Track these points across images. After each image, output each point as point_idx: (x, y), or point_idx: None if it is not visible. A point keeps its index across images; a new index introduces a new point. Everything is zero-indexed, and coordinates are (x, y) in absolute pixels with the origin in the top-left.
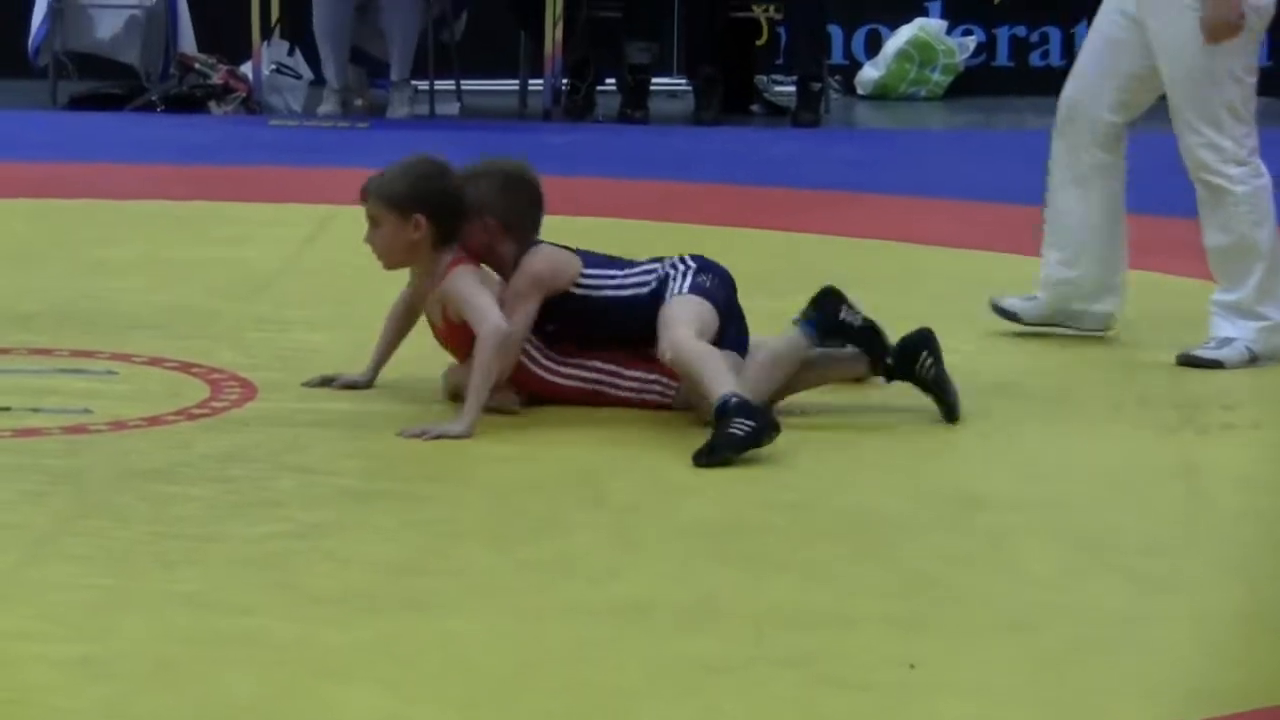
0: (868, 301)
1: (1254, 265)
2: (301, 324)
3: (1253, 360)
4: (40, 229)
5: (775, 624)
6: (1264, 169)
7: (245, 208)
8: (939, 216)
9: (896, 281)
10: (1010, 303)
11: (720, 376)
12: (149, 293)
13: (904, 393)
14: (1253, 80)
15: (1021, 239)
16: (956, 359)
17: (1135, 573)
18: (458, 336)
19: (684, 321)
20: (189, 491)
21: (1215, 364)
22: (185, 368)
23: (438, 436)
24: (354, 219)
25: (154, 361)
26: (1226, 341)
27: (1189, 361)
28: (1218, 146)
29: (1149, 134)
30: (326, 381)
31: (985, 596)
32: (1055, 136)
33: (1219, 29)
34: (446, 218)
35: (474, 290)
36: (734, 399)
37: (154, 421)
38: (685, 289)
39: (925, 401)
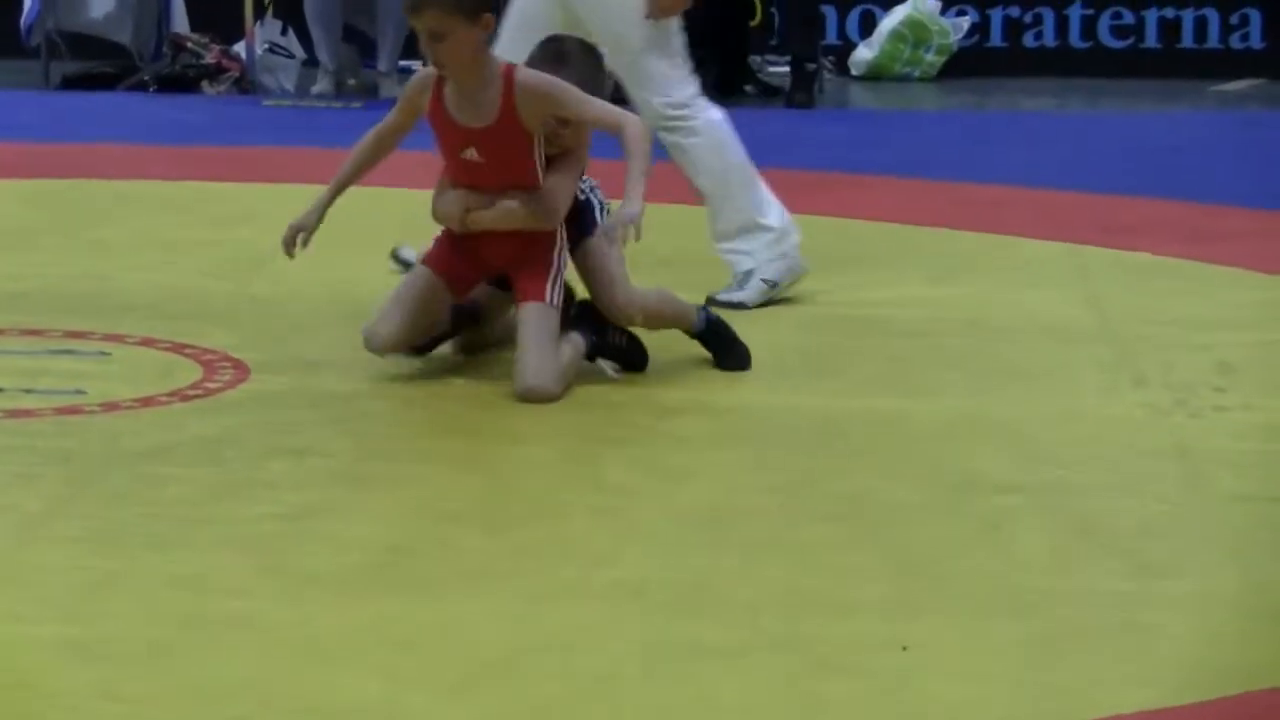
0: (862, 282)
1: (735, 187)
2: (296, 304)
3: (773, 288)
4: (33, 209)
5: (770, 608)
6: (707, 102)
7: (239, 188)
8: (933, 198)
9: (891, 262)
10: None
11: (679, 304)
12: (142, 273)
13: (891, 377)
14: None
15: (1016, 220)
16: (935, 339)
17: (1131, 556)
18: (508, 155)
19: (623, 275)
20: (182, 473)
21: (739, 305)
22: (178, 348)
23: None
24: (348, 197)
25: (146, 342)
26: (746, 277)
27: (713, 303)
28: (669, 96)
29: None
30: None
31: (981, 580)
32: None
33: (668, 6)
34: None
35: (578, 91)
36: (707, 314)
37: (147, 403)
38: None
39: (919, 384)
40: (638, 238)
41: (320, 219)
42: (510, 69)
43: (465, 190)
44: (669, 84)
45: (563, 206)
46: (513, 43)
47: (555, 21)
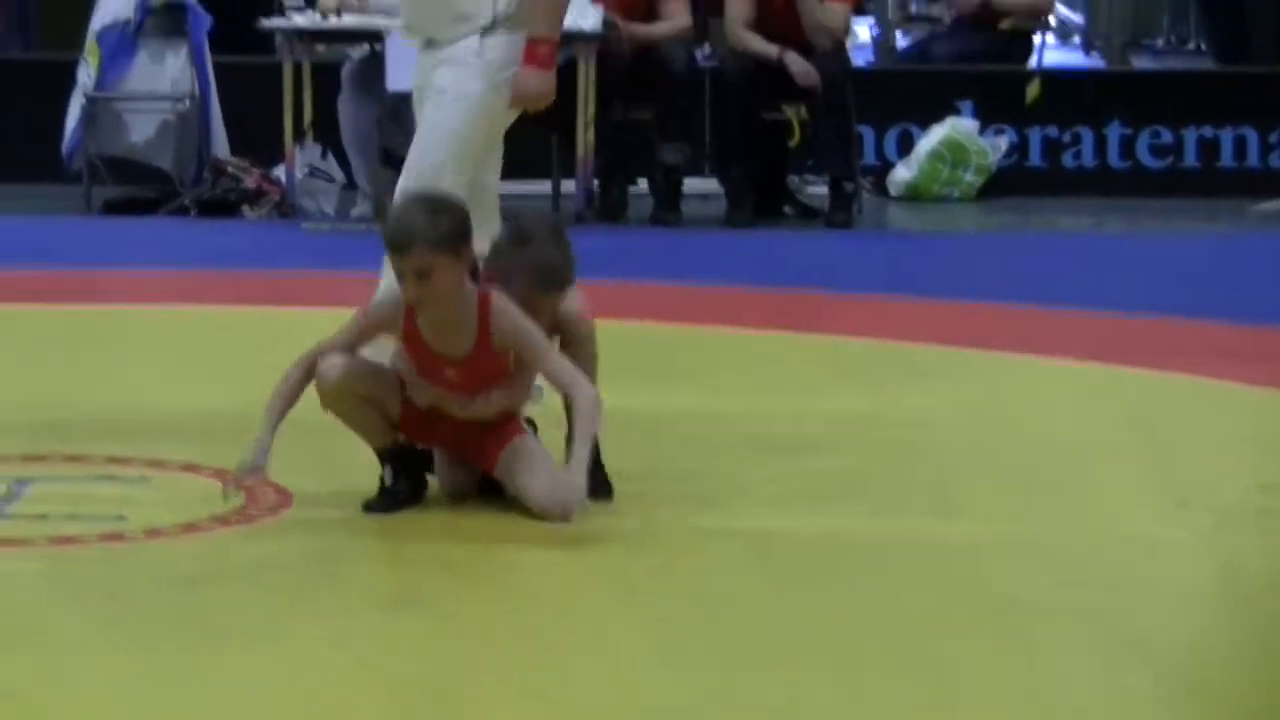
0: (901, 403)
1: None
2: (338, 431)
3: None
4: (74, 335)
5: None
6: None
7: (279, 312)
8: (973, 318)
9: (931, 383)
10: None
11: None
12: (183, 399)
13: (930, 498)
14: None
15: (1057, 341)
16: (973, 460)
17: (1175, 679)
18: (485, 373)
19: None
20: (224, 599)
21: None
22: (220, 474)
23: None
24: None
25: (188, 468)
26: None
27: None
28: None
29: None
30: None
31: (1023, 703)
32: None
33: (533, 96)
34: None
35: (544, 340)
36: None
37: (189, 529)
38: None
39: (958, 504)
40: (575, 512)
41: (268, 457)
42: (486, 298)
43: (439, 391)
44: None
45: (533, 381)
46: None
47: None
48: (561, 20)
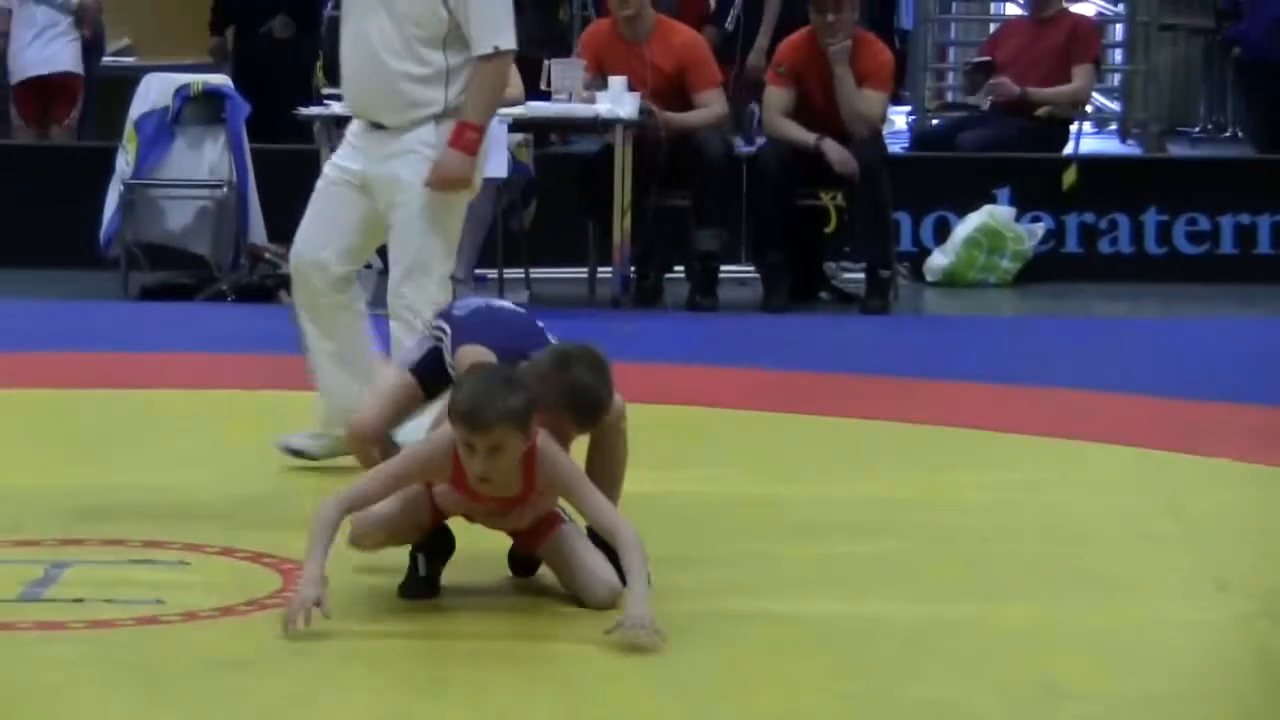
0: (941, 487)
1: None
2: None
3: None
4: (111, 420)
5: None
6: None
7: (315, 397)
8: (1010, 403)
9: (968, 467)
10: (298, 441)
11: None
12: (220, 482)
13: (969, 583)
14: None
15: (1095, 426)
16: (1015, 545)
17: None
18: (524, 503)
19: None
20: (262, 683)
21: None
22: (256, 558)
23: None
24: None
25: (225, 552)
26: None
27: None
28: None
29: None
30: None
31: None
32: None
33: (448, 181)
34: None
35: (586, 481)
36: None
37: (226, 612)
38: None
39: (997, 589)
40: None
41: (325, 588)
42: (533, 448)
43: (475, 506)
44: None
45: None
46: (317, 234)
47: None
48: (493, 112)
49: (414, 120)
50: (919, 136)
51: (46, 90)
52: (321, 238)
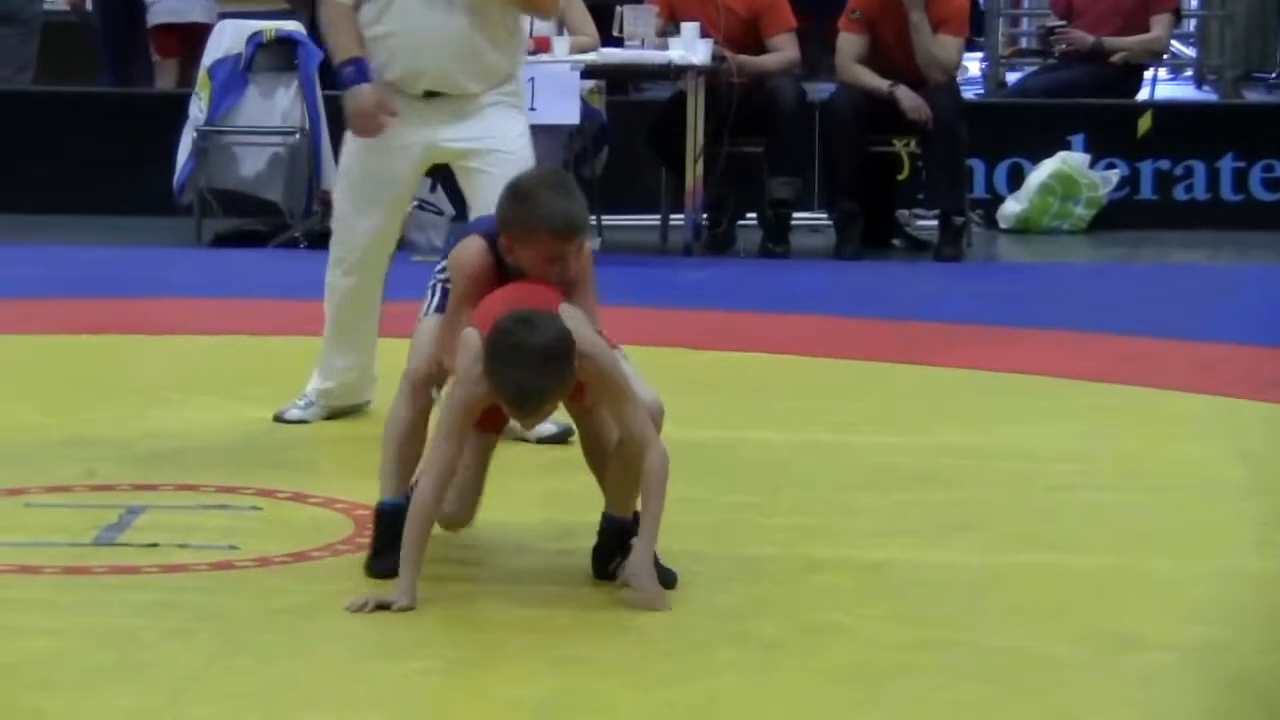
0: (1015, 436)
1: None
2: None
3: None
4: (186, 366)
5: None
6: None
7: (389, 342)
8: (1084, 350)
9: (1042, 416)
10: (292, 413)
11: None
12: (294, 429)
13: (1042, 532)
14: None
15: (1169, 374)
16: (1088, 494)
17: None
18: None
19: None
20: (334, 628)
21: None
22: (329, 503)
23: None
24: None
25: (298, 497)
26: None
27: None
28: None
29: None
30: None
31: None
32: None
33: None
34: None
35: (627, 384)
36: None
37: (299, 558)
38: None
39: (1070, 539)
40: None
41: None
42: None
43: None
44: None
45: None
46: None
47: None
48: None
49: (489, 85)
50: (992, 89)
51: (182, 33)
52: (392, 213)
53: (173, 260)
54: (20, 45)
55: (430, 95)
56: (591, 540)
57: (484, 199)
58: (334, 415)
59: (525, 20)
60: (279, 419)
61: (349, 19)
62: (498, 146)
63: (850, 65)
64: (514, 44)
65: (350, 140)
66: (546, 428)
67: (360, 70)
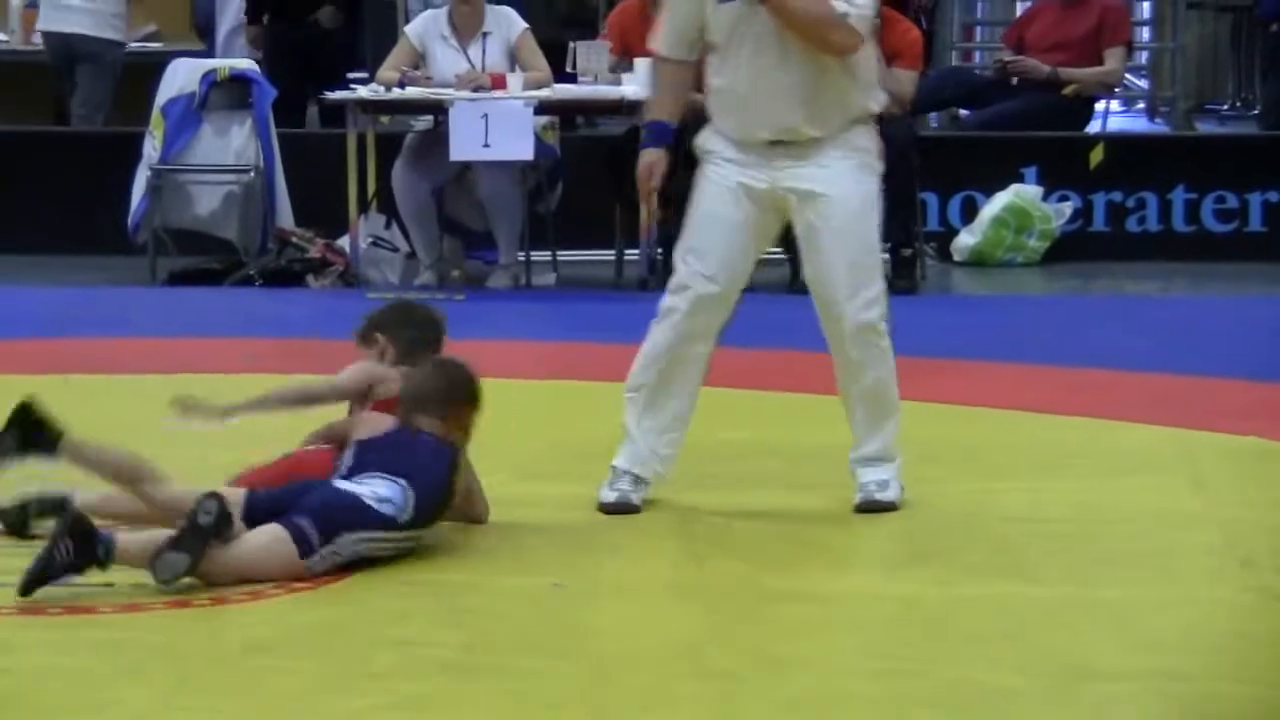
0: (969, 467)
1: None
2: None
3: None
4: (138, 405)
5: None
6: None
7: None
8: (1039, 382)
9: (996, 448)
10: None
11: None
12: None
13: (996, 563)
14: None
15: (1122, 405)
16: (1043, 524)
17: None
18: None
19: None
20: (289, 665)
21: (890, 506)
22: None
23: None
24: None
25: None
26: (884, 485)
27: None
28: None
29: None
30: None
31: None
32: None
33: None
34: None
35: None
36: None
37: (254, 596)
38: None
39: (1024, 569)
40: None
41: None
42: None
43: None
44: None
45: None
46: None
47: None
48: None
49: (837, 128)
50: (946, 122)
51: None
52: (736, 264)
53: (128, 299)
54: (99, 84)
55: (773, 144)
56: (543, 577)
57: (811, 249)
58: None
59: (868, 60)
60: None
61: (665, 76)
62: (832, 193)
63: None
64: (850, 85)
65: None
66: None
67: (654, 133)
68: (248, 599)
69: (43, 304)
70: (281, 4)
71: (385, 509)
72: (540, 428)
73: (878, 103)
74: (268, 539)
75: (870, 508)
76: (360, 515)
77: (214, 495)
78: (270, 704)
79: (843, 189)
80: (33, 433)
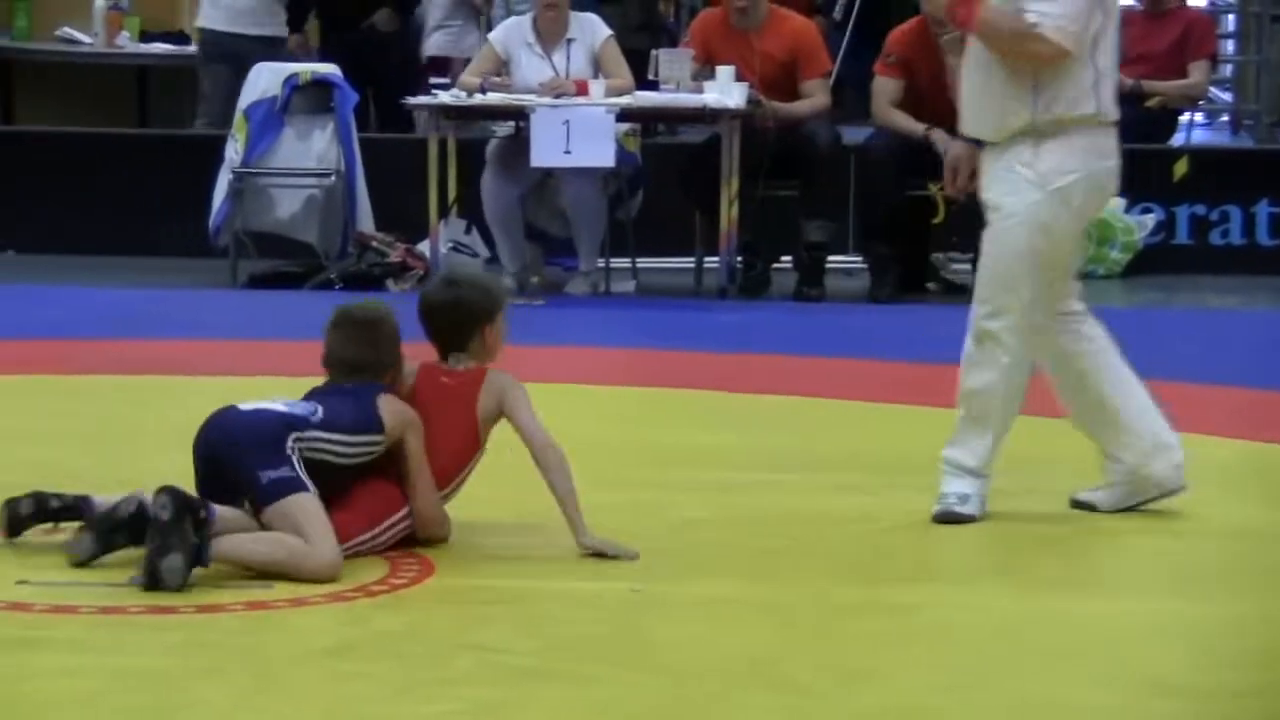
0: (1050, 479)
1: None
2: (482, 502)
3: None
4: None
5: None
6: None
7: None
8: None
9: (1074, 460)
10: (1085, 495)
11: None
12: None
13: (1074, 576)
14: None
15: (1204, 419)
16: (1122, 538)
17: None
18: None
19: None
20: (366, 668)
21: (968, 519)
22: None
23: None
24: (535, 394)
25: None
26: (965, 499)
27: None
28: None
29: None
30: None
31: None
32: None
33: None
34: None
35: None
36: None
37: (333, 598)
38: None
39: (1103, 583)
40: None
41: None
42: None
43: None
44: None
45: None
46: None
47: None
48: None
49: (1008, 135)
50: None
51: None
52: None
53: (208, 301)
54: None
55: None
56: (620, 583)
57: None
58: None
59: (1070, 68)
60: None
61: None
62: (991, 206)
63: (886, 109)
64: (1028, 90)
65: None
66: None
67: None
68: (326, 601)
69: (123, 305)
70: (333, 9)
71: (295, 409)
72: (618, 434)
73: (1078, 109)
74: (278, 517)
75: (947, 519)
76: (282, 419)
77: (163, 490)
78: (347, 708)
79: (1001, 204)
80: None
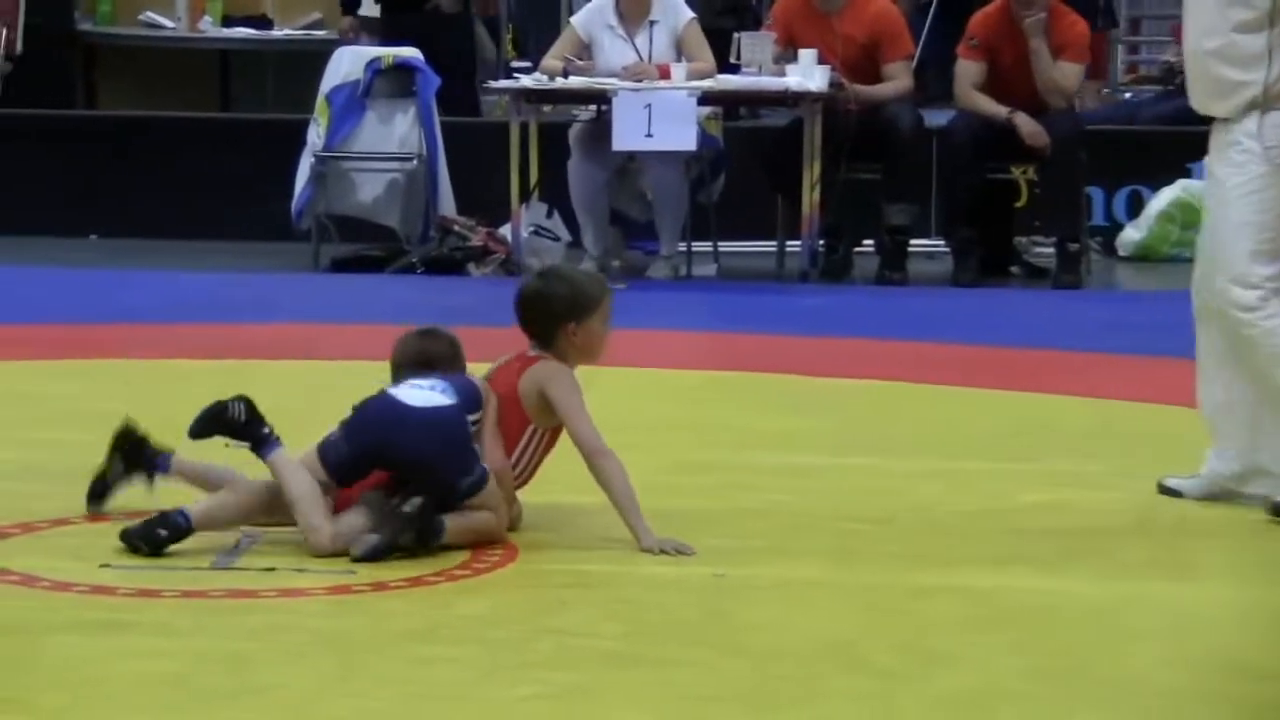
0: (1134, 464)
1: None
2: (563, 486)
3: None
4: (303, 390)
5: None
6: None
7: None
8: None
9: (1160, 444)
10: (1174, 481)
11: None
12: None
13: (1162, 560)
14: None
15: None
16: (1206, 523)
17: None
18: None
19: None
20: (448, 653)
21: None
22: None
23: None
24: (616, 378)
25: None
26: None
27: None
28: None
29: None
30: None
31: None
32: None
33: None
34: None
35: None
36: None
37: (415, 583)
38: None
39: (1191, 567)
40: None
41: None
42: None
43: None
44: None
45: None
46: None
47: None
48: None
49: (1233, 109)
50: (1111, 109)
51: None
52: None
53: (291, 285)
54: None
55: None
56: (702, 567)
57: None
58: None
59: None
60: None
61: None
62: (1216, 180)
63: (969, 92)
64: (1250, 58)
65: None
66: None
67: None
68: (408, 585)
69: (206, 289)
70: None
71: (453, 397)
72: (698, 417)
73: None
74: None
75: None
76: (461, 419)
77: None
78: (430, 692)
79: (1228, 174)
80: (137, 453)
